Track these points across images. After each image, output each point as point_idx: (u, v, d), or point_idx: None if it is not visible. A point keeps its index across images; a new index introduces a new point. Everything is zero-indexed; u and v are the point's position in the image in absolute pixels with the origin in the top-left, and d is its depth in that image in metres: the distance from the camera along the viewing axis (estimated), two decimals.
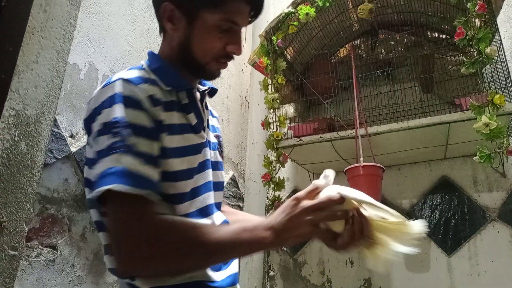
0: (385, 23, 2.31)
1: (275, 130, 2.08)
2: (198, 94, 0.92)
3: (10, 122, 0.46)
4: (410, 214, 2.14)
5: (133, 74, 0.81)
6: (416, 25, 2.21)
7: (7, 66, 0.47)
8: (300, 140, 2.01)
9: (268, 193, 2.11)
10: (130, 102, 0.74)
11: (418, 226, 0.73)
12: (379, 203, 0.76)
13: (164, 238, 0.69)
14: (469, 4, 1.64)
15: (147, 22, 1.77)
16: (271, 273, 2.40)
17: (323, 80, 2.18)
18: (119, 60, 1.58)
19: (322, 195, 0.74)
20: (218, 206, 0.94)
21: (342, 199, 0.72)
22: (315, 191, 0.75)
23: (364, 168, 1.73)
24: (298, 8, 2.05)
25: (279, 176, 2.05)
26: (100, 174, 0.69)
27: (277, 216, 0.74)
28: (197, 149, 0.85)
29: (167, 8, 0.84)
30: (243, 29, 0.89)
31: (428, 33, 2.30)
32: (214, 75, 0.89)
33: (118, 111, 0.73)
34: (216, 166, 0.95)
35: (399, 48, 2.38)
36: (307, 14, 2.02)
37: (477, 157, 1.54)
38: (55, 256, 1.20)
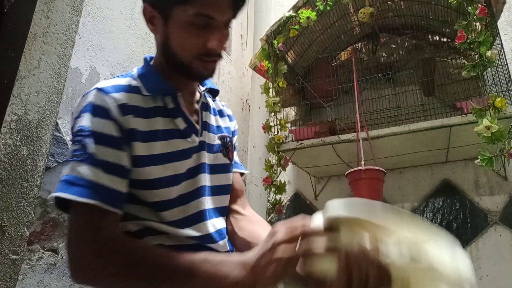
0: (386, 26, 2.31)
1: (276, 133, 2.08)
2: (197, 96, 0.92)
3: (12, 127, 0.46)
4: None
5: (112, 82, 0.81)
6: (417, 28, 2.21)
7: (9, 72, 0.48)
8: (301, 143, 2.01)
9: (269, 196, 2.11)
10: (97, 111, 0.75)
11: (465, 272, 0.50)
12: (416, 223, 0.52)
13: (112, 253, 0.66)
14: (469, 7, 1.64)
15: None
16: None
17: (324, 84, 2.18)
18: (120, 64, 1.59)
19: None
20: (219, 211, 0.91)
21: (320, 232, 0.57)
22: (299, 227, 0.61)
23: (366, 171, 1.73)
24: (299, 12, 2.06)
25: (280, 180, 2.05)
26: (58, 181, 0.71)
27: (252, 252, 0.64)
28: (185, 154, 0.83)
29: (147, 10, 0.83)
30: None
31: (429, 36, 2.30)
32: (202, 74, 0.84)
33: (85, 120, 0.74)
34: (217, 169, 0.91)
35: (400, 52, 2.38)
36: (308, 18, 2.02)
37: (479, 160, 1.53)
38: (56, 259, 1.20)
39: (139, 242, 0.73)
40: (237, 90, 2.62)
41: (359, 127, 1.87)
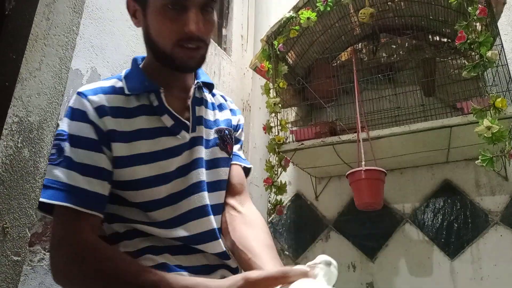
0: (386, 27, 2.31)
1: (276, 134, 2.08)
2: (192, 91, 0.89)
3: (13, 129, 0.46)
4: (412, 218, 2.14)
5: (93, 85, 0.82)
6: (417, 28, 2.21)
7: (10, 74, 0.48)
8: (302, 144, 2.01)
9: (270, 197, 2.11)
10: (75, 114, 0.75)
11: None
12: None
13: (82, 262, 0.66)
14: (470, 8, 1.64)
15: None
16: None
17: (324, 84, 2.18)
18: (121, 65, 1.59)
19: None
20: (218, 208, 0.88)
21: None
22: (281, 280, 0.57)
23: (366, 172, 1.73)
24: (299, 12, 2.06)
25: (281, 180, 2.05)
26: None
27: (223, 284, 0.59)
28: (173, 152, 0.81)
29: (129, 4, 0.83)
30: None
31: (430, 36, 2.30)
32: (186, 64, 0.80)
33: (64, 124, 0.75)
34: (213, 164, 0.88)
35: (401, 52, 2.38)
36: (308, 18, 2.02)
37: (479, 160, 1.53)
38: None
39: (112, 251, 0.70)
40: (238, 91, 2.62)
41: (359, 128, 1.88)
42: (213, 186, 0.87)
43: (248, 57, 2.73)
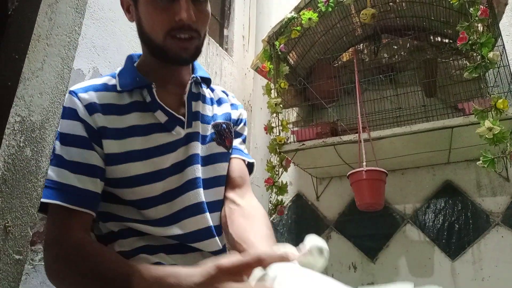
0: (388, 27, 2.31)
1: (278, 134, 2.09)
2: (188, 86, 0.87)
3: (15, 128, 0.47)
4: (413, 218, 2.13)
5: (85, 83, 0.81)
6: (419, 29, 2.21)
7: (13, 73, 0.48)
8: (303, 144, 2.01)
9: (271, 197, 2.11)
10: (67, 113, 0.75)
11: None
12: None
13: (70, 260, 0.65)
14: (471, 9, 1.64)
15: None
16: None
17: (326, 85, 2.19)
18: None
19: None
20: (215, 205, 0.85)
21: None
22: (256, 265, 0.52)
23: (367, 172, 1.73)
24: (301, 13, 2.06)
25: (282, 181, 2.05)
26: None
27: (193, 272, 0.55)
28: (167, 148, 0.79)
29: (123, 0, 0.83)
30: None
31: (431, 37, 2.30)
32: (179, 55, 0.78)
33: (60, 124, 0.75)
34: (210, 160, 0.86)
35: (402, 53, 2.38)
36: (309, 19, 2.02)
37: (481, 161, 1.53)
38: None
39: (96, 248, 0.68)
40: (239, 91, 2.62)
41: (360, 128, 1.88)
42: (210, 183, 0.85)
43: (250, 58, 2.74)
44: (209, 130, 0.88)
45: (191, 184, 0.80)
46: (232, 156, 0.92)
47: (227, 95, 1.01)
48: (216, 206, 0.86)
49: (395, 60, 2.34)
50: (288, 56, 2.30)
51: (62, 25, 0.55)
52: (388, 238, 2.15)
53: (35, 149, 0.50)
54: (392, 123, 2.06)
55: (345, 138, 1.93)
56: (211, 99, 0.94)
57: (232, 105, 0.99)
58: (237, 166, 0.92)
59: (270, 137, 2.13)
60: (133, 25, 0.85)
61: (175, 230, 0.77)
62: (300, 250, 0.54)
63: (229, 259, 0.52)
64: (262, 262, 0.52)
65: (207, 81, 0.92)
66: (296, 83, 2.33)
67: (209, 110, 0.90)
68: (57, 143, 0.73)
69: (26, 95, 0.48)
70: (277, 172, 2.06)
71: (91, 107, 0.76)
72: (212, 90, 0.97)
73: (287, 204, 2.43)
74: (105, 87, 0.81)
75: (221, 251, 0.83)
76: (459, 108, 1.85)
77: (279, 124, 2.11)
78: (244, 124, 1.00)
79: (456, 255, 1.98)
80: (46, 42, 0.52)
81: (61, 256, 0.66)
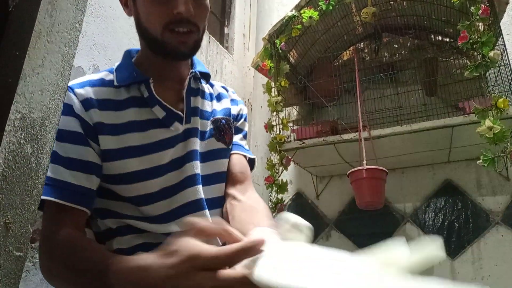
0: (388, 26, 2.31)
1: (278, 132, 2.09)
2: (187, 81, 0.85)
3: (16, 125, 0.47)
4: (413, 217, 2.14)
5: (82, 79, 0.80)
6: (419, 28, 2.21)
7: (13, 70, 0.48)
8: (303, 143, 2.01)
9: (271, 196, 2.11)
10: (65, 109, 0.73)
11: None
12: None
13: (58, 257, 0.64)
14: (472, 8, 1.64)
15: None
16: None
17: (326, 83, 2.19)
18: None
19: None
20: (215, 201, 0.83)
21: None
22: (232, 257, 0.46)
23: (367, 171, 1.73)
24: (302, 11, 2.06)
25: (282, 179, 2.05)
26: None
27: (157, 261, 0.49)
28: (166, 144, 0.78)
29: None
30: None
31: (432, 36, 2.30)
32: (178, 49, 0.77)
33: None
34: (210, 156, 0.84)
35: (403, 51, 2.38)
36: (310, 17, 2.02)
37: (481, 161, 1.53)
38: None
39: (82, 243, 0.66)
40: (239, 90, 2.62)
41: (361, 127, 1.88)
42: (209, 179, 0.83)
43: (250, 56, 2.74)
44: (208, 126, 0.86)
45: (190, 181, 0.79)
46: (233, 152, 0.91)
47: (227, 90, 0.99)
48: (216, 202, 0.84)
49: (395, 59, 2.34)
50: (288, 55, 2.30)
51: (62, 22, 0.54)
52: (388, 237, 2.14)
53: (36, 146, 0.50)
54: (393, 122, 2.06)
55: (346, 136, 1.93)
56: (211, 94, 0.92)
57: (232, 100, 0.98)
58: (238, 162, 0.90)
59: (270, 136, 2.13)
60: (134, 23, 0.85)
61: (174, 227, 0.76)
62: (279, 227, 0.50)
63: (204, 251, 0.45)
64: (240, 255, 0.46)
65: (206, 76, 0.90)
66: (296, 82, 2.33)
67: (208, 106, 0.89)
68: (57, 139, 0.72)
69: (26, 92, 0.48)
70: (277, 171, 2.06)
71: (87, 103, 0.75)
72: (212, 85, 0.96)
73: (287, 203, 2.43)
74: (102, 82, 0.80)
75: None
76: (460, 107, 1.86)
77: (280, 122, 2.11)
78: (245, 119, 0.99)
79: (456, 254, 1.99)
80: (46, 39, 0.52)
81: (51, 252, 0.66)
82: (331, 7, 2.02)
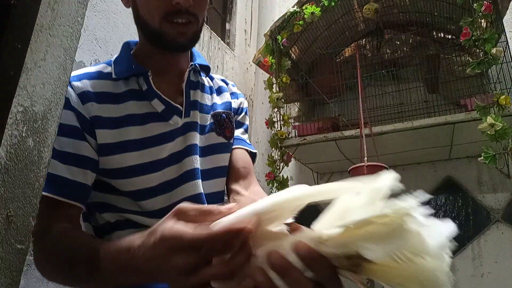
0: (390, 23, 2.31)
1: (279, 129, 2.09)
2: (186, 74, 0.83)
3: (18, 118, 0.47)
4: None
5: (80, 71, 0.78)
6: (421, 25, 2.20)
7: (15, 63, 0.48)
8: (304, 139, 2.01)
9: (271, 192, 2.11)
10: (65, 102, 0.73)
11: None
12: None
13: (50, 250, 0.63)
14: (475, 4, 1.63)
15: None
16: None
17: (327, 80, 2.18)
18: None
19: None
20: (216, 196, 0.82)
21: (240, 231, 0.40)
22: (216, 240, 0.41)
23: (368, 167, 1.73)
24: (304, 7, 2.06)
25: (282, 175, 2.06)
26: None
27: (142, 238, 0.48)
28: (165, 138, 0.76)
29: None
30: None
31: (434, 33, 2.29)
32: (176, 40, 0.75)
33: None
34: (209, 150, 0.82)
35: (405, 48, 2.37)
36: (312, 13, 2.02)
37: (482, 158, 1.53)
38: None
39: (77, 237, 0.65)
40: (241, 85, 2.62)
41: (362, 123, 1.87)
42: (209, 174, 0.81)
43: (251, 52, 2.73)
44: (208, 120, 0.84)
45: (189, 175, 0.77)
46: (235, 146, 0.89)
47: (226, 84, 0.97)
48: (215, 197, 0.83)
49: (397, 56, 2.34)
50: (290, 51, 2.30)
51: (64, 16, 0.54)
52: None
53: (37, 139, 0.50)
54: (394, 119, 2.06)
55: (347, 133, 1.93)
56: (210, 87, 0.91)
57: (232, 94, 0.96)
58: (240, 156, 0.88)
59: (271, 132, 2.13)
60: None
61: None
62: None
63: (184, 232, 0.42)
64: (224, 238, 0.41)
65: (206, 69, 0.89)
66: (298, 78, 2.33)
67: (208, 99, 0.87)
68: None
69: (28, 85, 0.48)
70: (278, 167, 2.06)
71: (84, 96, 0.73)
72: (212, 78, 0.94)
73: None
74: (100, 75, 0.78)
75: None
76: (461, 104, 1.85)
77: (281, 118, 2.11)
78: (246, 113, 0.97)
79: (455, 251, 1.99)
80: (48, 33, 0.52)
81: (44, 246, 0.65)
82: (333, 3, 2.02)
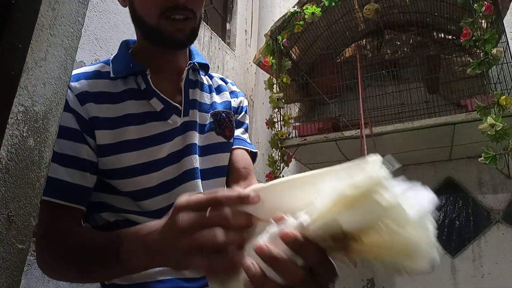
0: (391, 23, 2.31)
1: (279, 129, 2.09)
2: (185, 73, 0.82)
3: (19, 118, 0.47)
4: None
5: (77, 71, 0.77)
6: (422, 25, 2.20)
7: (16, 63, 0.48)
8: (305, 139, 2.01)
9: None
10: (65, 104, 0.73)
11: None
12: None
13: (55, 247, 0.64)
14: (475, 5, 1.63)
15: None
16: None
17: (328, 80, 2.18)
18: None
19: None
20: None
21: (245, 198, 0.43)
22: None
23: None
24: (304, 7, 2.06)
25: (283, 176, 2.05)
26: None
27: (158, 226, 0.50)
28: (164, 138, 0.75)
29: None
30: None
31: (434, 33, 2.29)
32: (174, 37, 0.74)
33: None
34: (209, 150, 0.82)
35: (405, 49, 2.37)
36: (313, 13, 2.02)
37: (482, 158, 1.53)
38: None
39: (78, 231, 0.66)
40: (241, 86, 2.62)
41: (362, 124, 1.87)
42: (208, 173, 0.80)
43: (252, 52, 2.73)
44: (207, 119, 0.83)
45: (189, 175, 0.76)
46: (235, 146, 0.88)
47: (226, 83, 0.96)
48: None
49: (398, 56, 2.34)
50: (290, 51, 2.30)
51: (65, 15, 0.54)
52: None
53: (38, 139, 0.50)
54: (394, 119, 2.05)
55: (347, 133, 1.93)
56: (210, 86, 0.90)
57: (231, 92, 0.95)
58: (240, 156, 0.88)
59: (271, 132, 2.13)
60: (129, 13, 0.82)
61: None
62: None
63: (190, 197, 0.45)
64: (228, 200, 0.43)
65: (205, 68, 0.87)
66: (298, 78, 2.33)
67: (207, 98, 0.86)
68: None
69: (29, 85, 0.48)
70: (278, 167, 2.06)
71: (82, 97, 0.72)
72: (211, 77, 0.93)
73: None
74: (98, 74, 0.77)
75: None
76: (462, 105, 1.85)
77: (281, 119, 2.11)
78: (246, 112, 0.96)
79: (456, 252, 1.99)
80: (49, 32, 0.51)
81: (52, 247, 0.65)
82: (333, 3, 2.02)
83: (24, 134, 0.48)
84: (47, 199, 0.64)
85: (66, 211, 0.67)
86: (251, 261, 0.41)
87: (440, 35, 2.29)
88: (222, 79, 0.96)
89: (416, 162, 2.20)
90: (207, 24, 2.28)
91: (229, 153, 0.86)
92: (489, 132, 1.50)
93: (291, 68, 2.20)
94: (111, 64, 0.80)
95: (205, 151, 0.81)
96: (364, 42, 2.48)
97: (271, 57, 2.16)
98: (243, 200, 0.43)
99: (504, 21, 1.83)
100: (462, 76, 1.97)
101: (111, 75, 0.77)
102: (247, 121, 0.96)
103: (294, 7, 2.11)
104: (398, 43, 2.40)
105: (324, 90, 2.18)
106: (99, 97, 0.74)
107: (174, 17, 0.72)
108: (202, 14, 0.79)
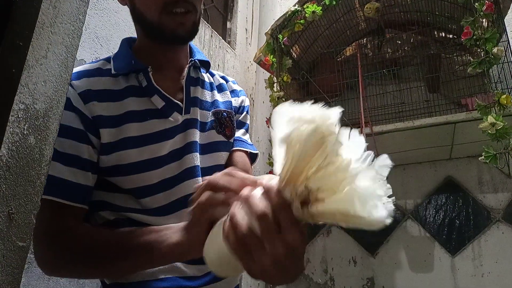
0: (391, 22, 2.30)
1: None
2: (186, 70, 0.83)
3: (19, 116, 0.47)
4: (414, 214, 2.14)
5: (78, 69, 0.77)
6: (423, 24, 2.20)
7: (17, 61, 0.48)
8: None
9: None
10: (66, 103, 0.71)
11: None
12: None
13: (62, 243, 0.65)
14: (476, 3, 1.63)
15: None
16: None
17: (328, 79, 2.18)
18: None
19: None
20: None
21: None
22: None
23: None
24: (305, 6, 2.05)
25: None
26: None
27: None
28: (164, 135, 0.76)
29: None
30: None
31: (435, 32, 2.29)
32: (176, 32, 0.75)
33: None
34: (209, 148, 0.82)
35: (406, 48, 2.37)
36: (313, 12, 2.02)
37: (483, 157, 1.53)
38: None
39: (86, 229, 0.68)
40: (242, 84, 2.62)
41: (363, 123, 1.87)
42: (209, 172, 0.79)
43: (252, 51, 2.73)
44: (208, 117, 0.84)
45: (190, 173, 0.77)
46: (235, 148, 0.89)
47: (226, 81, 0.97)
48: None
49: (398, 55, 2.34)
50: (291, 50, 2.30)
51: (66, 13, 0.54)
52: (389, 233, 2.15)
53: (39, 137, 0.50)
54: (395, 118, 2.05)
55: None
56: (211, 84, 0.90)
57: (232, 91, 0.95)
58: (240, 159, 0.88)
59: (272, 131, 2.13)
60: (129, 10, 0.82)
61: (173, 220, 0.72)
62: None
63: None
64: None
65: (206, 65, 0.88)
66: (299, 77, 2.33)
67: (208, 96, 0.86)
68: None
69: (30, 82, 0.48)
70: None
71: (86, 95, 0.73)
72: (212, 74, 0.94)
73: None
74: (100, 72, 0.78)
75: None
76: (462, 104, 1.85)
77: None
78: (247, 112, 0.96)
79: (456, 251, 1.99)
80: (50, 30, 0.52)
81: (52, 243, 0.65)
82: (334, 2, 2.01)
83: (25, 132, 0.49)
84: (49, 198, 0.65)
85: (70, 210, 0.67)
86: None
87: (440, 34, 2.29)
88: (223, 77, 0.97)
89: (416, 161, 2.20)
90: (207, 23, 2.28)
91: (227, 153, 0.86)
92: (489, 131, 1.50)
93: (292, 67, 2.20)
94: (112, 61, 0.80)
95: (206, 149, 0.81)
96: (364, 41, 2.48)
97: (271, 56, 2.16)
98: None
99: (505, 20, 1.83)
100: (463, 75, 1.96)
101: (113, 71, 0.78)
102: (248, 121, 0.96)
103: (294, 5, 2.11)
104: (399, 42, 2.39)
105: (324, 89, 2.18)
106: (101, 95, 0.74)
107: (175, 11, 0.72)
108: (202, 10, 0.79)
